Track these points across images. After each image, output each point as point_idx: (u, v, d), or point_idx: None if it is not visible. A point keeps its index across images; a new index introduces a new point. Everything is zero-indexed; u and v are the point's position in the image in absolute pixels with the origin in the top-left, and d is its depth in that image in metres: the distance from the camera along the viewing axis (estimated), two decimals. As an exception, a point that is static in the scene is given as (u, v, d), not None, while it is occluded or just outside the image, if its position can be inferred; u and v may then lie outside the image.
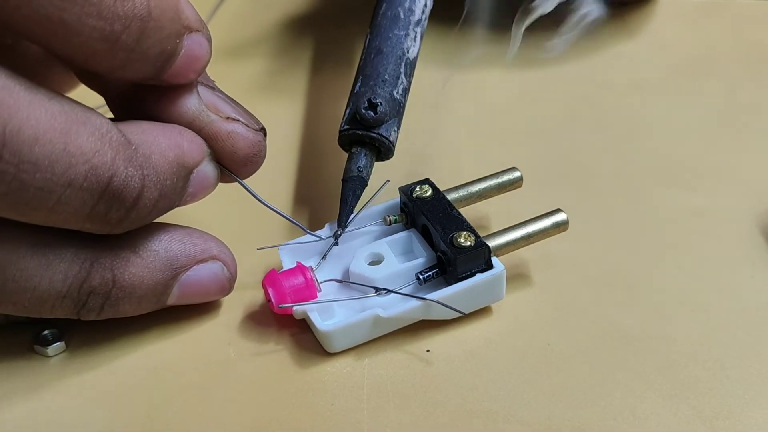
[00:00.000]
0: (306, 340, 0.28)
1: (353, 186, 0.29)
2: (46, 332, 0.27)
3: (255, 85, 0.41)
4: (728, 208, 0.32)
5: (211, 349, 0.28)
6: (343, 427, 0.25)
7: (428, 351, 0.27)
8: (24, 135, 0.22)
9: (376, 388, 0.26)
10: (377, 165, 0.31)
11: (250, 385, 0.26)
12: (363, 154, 0.30)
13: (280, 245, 0.29)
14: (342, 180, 0.30)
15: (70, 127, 0.23)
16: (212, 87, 0.27)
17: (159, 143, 0.25)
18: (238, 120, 0.27)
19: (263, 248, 0.29)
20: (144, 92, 0.26)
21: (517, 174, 0.31)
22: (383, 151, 0.30)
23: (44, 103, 0.22)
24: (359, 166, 0.30)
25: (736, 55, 0.41)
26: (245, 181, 0.28)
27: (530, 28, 0.40)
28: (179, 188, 0.26)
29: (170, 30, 0.24)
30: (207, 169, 0.26)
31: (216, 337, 0.28)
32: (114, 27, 0.23)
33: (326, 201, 0.33)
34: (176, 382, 0.27)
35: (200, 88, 0.27)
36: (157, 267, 0.26)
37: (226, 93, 0.28)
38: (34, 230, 0.24)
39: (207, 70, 0.27)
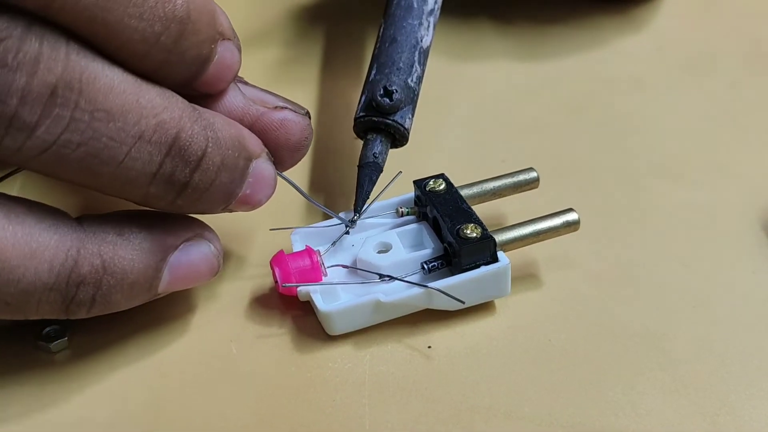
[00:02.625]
0: (309, 324, 0.28)
1: (369, 172, 0.30)
2: (49, 329, 0.27)
3: (267, 75, 0.41)
4: (730, 204, 0.32)
5: (214, 345, 0.28)
6: (344, 422, 0.25)
7: (429, 347, 0.27)
8: (99, 83, 0.22)
9: (377, 384, 0.26)
10: (396, 156, 0.31)
11: (252, 380, 0.26)
12: (378, 141, 0.30)
13: (292, 227, 0.30)
14: (358, 166, 0.30)
15: (141, 84, 0.23)
16: (245, 83, 0.28)
17: (221, 117, 0.26)
18: (286, 107, 0.27)
19: (276, 229, 0.30)
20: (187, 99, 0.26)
21: (533, 174, 0.31)
22: (398, 138, 0.31)
23: (116, 65, 0.23)
24: (375, 153, 0.30)
25: (738, 52, 0.41)
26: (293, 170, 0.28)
27: (532, 22, 0.40)
28: (240, 168, 0.26)
29: (206, 34, 0.25)
30: (265, 165, 0.27)
31: (219, 333, 0.28)
32: (155, 28, 0.23)
33: (339, 190, 0.34)
34: (179, 377, 0.27)
35: (239, 84, 0.27)
36: (145, 248, 0.25)
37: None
38: (13, 221, 0.23)
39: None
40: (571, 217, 0.29)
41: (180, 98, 0.24)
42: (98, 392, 0.26)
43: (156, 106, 0.23)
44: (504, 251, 0.28)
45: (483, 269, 0.27)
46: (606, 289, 0.29)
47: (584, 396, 0.26)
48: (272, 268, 0.28)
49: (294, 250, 0.29)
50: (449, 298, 0.27)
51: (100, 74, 0.23)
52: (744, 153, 0.35)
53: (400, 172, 0.30)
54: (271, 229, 0.30)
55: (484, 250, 0.27)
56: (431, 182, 0.29)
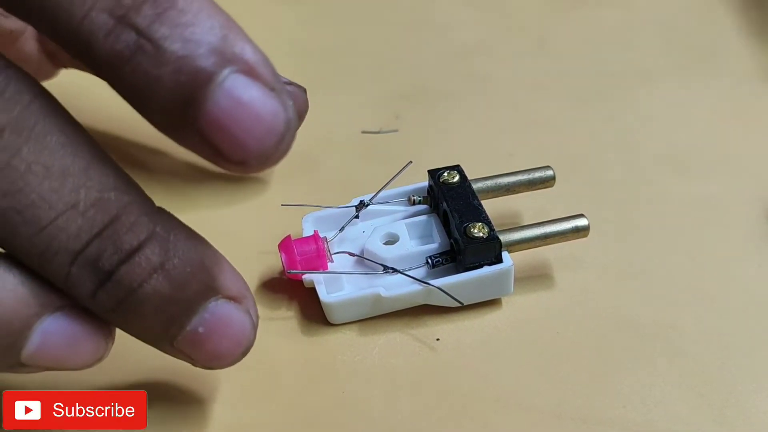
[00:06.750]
0: (316, 309, 0.28)
1: None
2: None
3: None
4: (737, 197, 0.32)
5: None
6: (354, 414, 0.25)
7: (438, 339, 0.27)
8: (50, 139, 0.20)
9: (386, 376, 0.26)
10: (405, 148, 0.31)
11: (261, 372, 0.27)
12: None
13: (304, 204, 0.30)
14: None
15: (100, 156, 0.21)
16: None
17: (192, 239, 0.22)
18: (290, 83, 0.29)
19: (287, 205, 0.30)
20: None
21: (549, 173, 0.30)
22: None
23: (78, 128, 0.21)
24: None
25: (746, 44, 0.41)
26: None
27: (538, 13, 0.40)
28: (192, 291, 0.22)
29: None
30: (236, 312, 0.23)
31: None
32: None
33: (342, 185, 0.33)
34: (186, 371, 0.27)
35: None
36: (19, 293, 0.21)
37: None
38: None
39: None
40: (581, 222, 0.28)
41: (141, 192, 0.21)
42: (103, 387, 0.26)
43: (105, 183, 0.20)
44: (510, 252, 0.28)
45: (486, 269, 0.27)
46: (613, 281, 0.29)
47: (592, 388, 0.26)
48: (280, 252, 0.28)
49: (304, 235, 0.29)
50: (448, 296, 0.27)
51: (56, 131, 0.20)
52: (751, 146, 0.35)
53: (411, 162, 0.30)
54: (282, 205, 0.30)
55: (489, 251, 0.27)
56: (445, 173, 0.29)
